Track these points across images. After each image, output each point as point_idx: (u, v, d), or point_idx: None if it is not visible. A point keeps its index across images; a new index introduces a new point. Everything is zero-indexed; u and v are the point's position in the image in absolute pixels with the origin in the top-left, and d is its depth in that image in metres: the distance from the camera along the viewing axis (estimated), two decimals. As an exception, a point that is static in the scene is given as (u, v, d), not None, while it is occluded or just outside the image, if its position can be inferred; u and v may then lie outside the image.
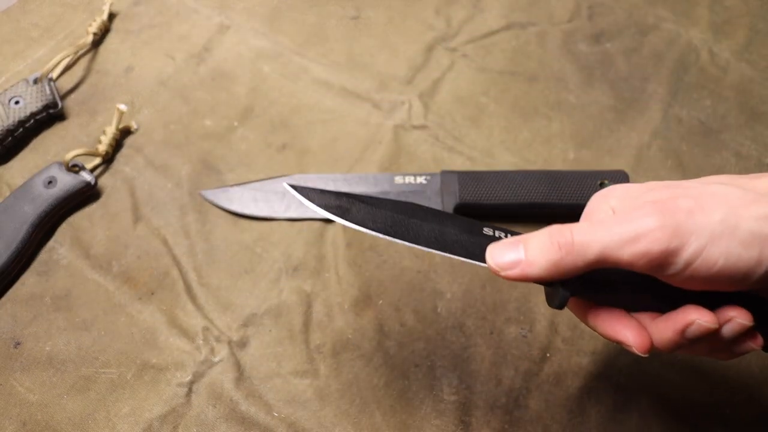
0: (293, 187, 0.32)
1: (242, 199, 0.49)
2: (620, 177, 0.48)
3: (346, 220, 0.32)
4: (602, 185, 0.47)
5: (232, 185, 0.50)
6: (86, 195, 0.49)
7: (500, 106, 0.56)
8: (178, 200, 0.50)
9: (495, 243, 0.30)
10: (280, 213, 0.49)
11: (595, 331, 0.31)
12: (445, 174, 0.49)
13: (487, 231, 0.33)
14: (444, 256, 0.34)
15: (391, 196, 0.49)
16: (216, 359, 0.43)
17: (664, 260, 0.27)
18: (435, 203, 0.48)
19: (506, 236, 0.32)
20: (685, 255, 0.27)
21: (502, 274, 0.29)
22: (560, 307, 0.30)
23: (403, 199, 0.49)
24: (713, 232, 0.27)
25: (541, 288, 0.46)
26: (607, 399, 0.43)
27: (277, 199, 0.49)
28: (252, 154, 0.53)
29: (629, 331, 0.30)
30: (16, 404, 0.41)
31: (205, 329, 0.44)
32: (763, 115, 0.55)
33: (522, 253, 0.29)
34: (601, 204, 0.31)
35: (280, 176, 0.50)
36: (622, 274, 0.30)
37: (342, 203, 0.32)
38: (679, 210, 0.27)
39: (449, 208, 0.47)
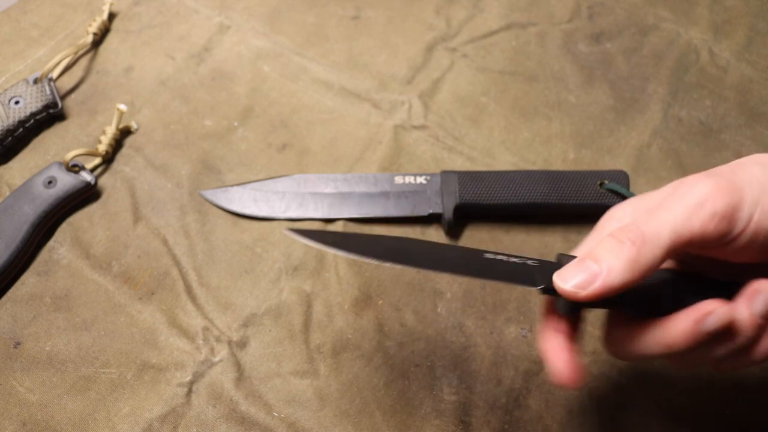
0: (294, 231, 0.32)
1: (242, 199, 0.49)
2: (620, 177, 0.48)
3: (348, 251, 0.31)
4: (602, 185, 0.47)
5: (232, 185, 0.50)
6: (86, 195, 0.49)
7: (500, 106, 0.56)
8: (178, 200, 0.50)
9: (560, 270, 0.28)
10: (280, 213, 0.49)
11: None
12: (445, 174, 0.49)
13: (489, 255, 0.32)
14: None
15: (391, 196, 0.49)
16: (216, 359, 0.43)
17: (730, 217, 0.27)
18: (435, 203, 0.48)
19: (508, 258, 0.32)
20: (746, 207, 0.27)
21: (583, 294, 0.27)
22: (570, 312, 0.29)
23: (403, 199, 0.49)
24: (761, 182, 0.27)
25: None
26: (608, 399, 0.43)
27: (277, 199, 0.49)
28: (252, 154, 0.53)
29: (561, 360, 0.30)
30: (16, 404, 0.41)
31: (205, 329, 0.44)
32: (763, 115, 0.55)
33: (594, 266, 0.27)
34: (617, 212, 0.31)
35: (280, 176, 0.50)
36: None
37: (339, 238, 0.33)
38: (722, 172, 0.28)
39: (449, 207, 0.47)
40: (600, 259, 0.27)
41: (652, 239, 0.27)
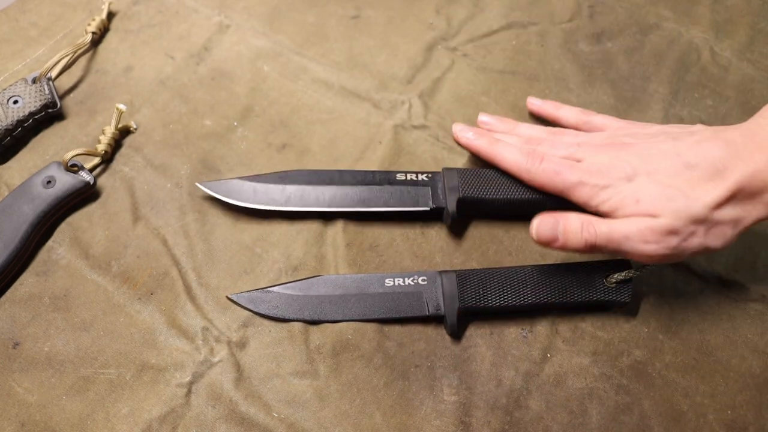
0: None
1: (241, 191, 0.48)
2: None
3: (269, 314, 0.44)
4: None
5: (231, 178, 0.49)
6: (85, 195, 0.49)
7: (501, 105, 0.56)
8: (178, 200, 0.50)
9: (538, 219, 0.43)
10: (280, 204, 0.48)
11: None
12: (447, 170, 0.49)
13: (388, 281, 0.45)
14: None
15: (393, 190, 0.48)
16: (215, 360, 0.43)
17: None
18: (437, 197, 0.48)
19: (404, 280, 0.45)
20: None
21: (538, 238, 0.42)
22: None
23: (405, 192, 0.48)
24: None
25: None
26: (608, 400, 0.42)
27: (277, 191, 0.48)
28: (252, 154, 0.52)
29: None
30: (15, 405, 0.41)
31: (205, 329, 0.44)
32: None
33: (559, 226, 0.42)
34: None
35: (281, 172, 0.50)
36: None
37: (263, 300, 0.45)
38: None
39: (452, 201, 0.47)
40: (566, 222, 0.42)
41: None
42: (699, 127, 0.44)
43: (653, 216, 0.40)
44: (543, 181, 0.44)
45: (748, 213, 0.39)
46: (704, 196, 0.39)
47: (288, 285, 0.45)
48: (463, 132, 0.51)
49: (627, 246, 0.40)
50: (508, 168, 0.46)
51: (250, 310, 0.45)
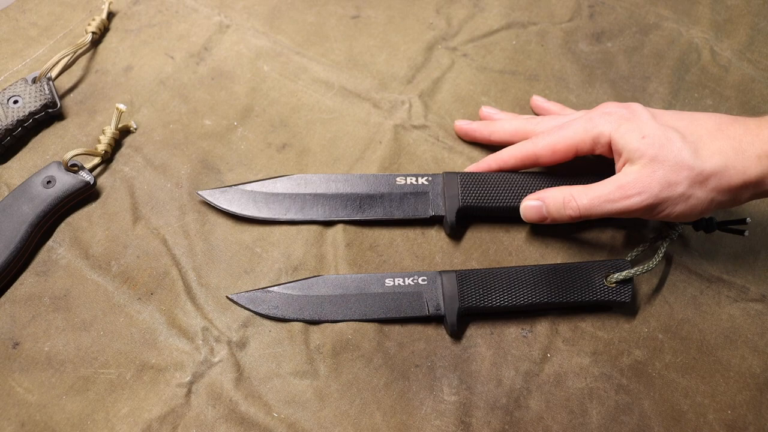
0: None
1: (241, 201, 0.49)
2: None
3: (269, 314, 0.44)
4: None
5: (230, 185, 0.50)
6: (85, 195, 0.49)
7: (501, 105, 0.56)
8: (178, 200, 0.50)
9: (528, 198, 0.46)
10: (281, 215, 0.49)
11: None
12: (447, 175, 0.48)
13: (388, 281, 0.45)
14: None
15: (392, 197, 0.49)
16: (215, 359, 0.43)
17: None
18: (437, 205, 0.48)
19: (404, 280, 0.45)
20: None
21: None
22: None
23: (404, 200, 0.49)
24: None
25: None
26: (608, 400, 0.42)
27: (277, 200, 0.49)
28: (252, 154, 0.52)
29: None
30: (15, 405, 0.41)
31: (205, 329, 0.44)
32: (765, 114, 0.55)
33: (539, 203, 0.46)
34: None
35: (280, 176, 0.50)
36: None
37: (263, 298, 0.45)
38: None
39: (452, 210, 0.47)
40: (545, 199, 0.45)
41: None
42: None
43: (653, 159, 0.40)
44: (547, 144, 0.45)
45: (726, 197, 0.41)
46: (708, 158, 0.40)
47: (288, 285, 0.45)
48: (462, 122, 0.53)
49: (612, 208, 0.41)
50: (509, 136, 0.49)
51: (250, 310, 0.45)
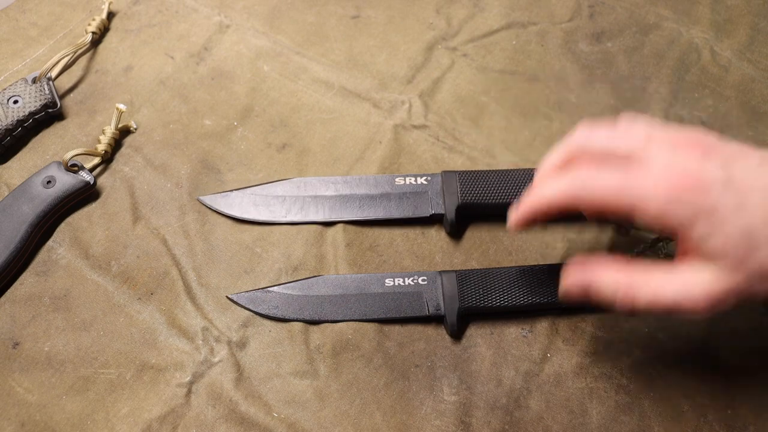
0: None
1: (242, 204, 0.49)
2: None
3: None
4: None
5: (231, 190, 0.50)
6: (85, 195, 0.49)
7: (501, 105, 0.56)
8: (178, 200, 0.50)
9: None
10: (281, 217, 0.49)
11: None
12: (446, 174, 0.49)
13: (388, 281, 0.45)
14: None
15: (392, 197, 0.49)
16: (215, 359, 0.43)
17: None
18: (436, 204, 0.48)
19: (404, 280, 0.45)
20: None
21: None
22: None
23: (404, 200, 0.49)
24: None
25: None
26: (609, 400, 0.42)
27: (277, 203, 0.49)
28: (252, 154, 0.52)
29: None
30: (15, 405, 0.41)
31: (205, 329, 0.44)
32: (765, 114, 0.55)
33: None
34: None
35: (279, 180, 0.50)
36: None
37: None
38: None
39: (451, 208, 0.47)
40: None
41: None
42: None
43: (734, 268, 0.31)
44: (601, 206, 0.33)
45: None
46: None
47: (288, 285, 0.45)
48: (511, 215, 0.39)
49: (675, 312, 0.33)
50: (555, 203, 0.35)
51: (250, 310, 0.45)
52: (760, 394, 0.43)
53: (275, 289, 0.45)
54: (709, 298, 0.32)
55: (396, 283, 0.45)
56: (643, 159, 0.32)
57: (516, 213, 0.38)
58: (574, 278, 0.35)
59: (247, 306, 0.45)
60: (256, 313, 0.45)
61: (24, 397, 0.42)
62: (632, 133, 0.34)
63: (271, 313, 0.44)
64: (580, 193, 0.34)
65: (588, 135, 0.35)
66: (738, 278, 0.31)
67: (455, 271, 0.45)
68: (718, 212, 0.30)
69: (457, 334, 0.44)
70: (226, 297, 0.45)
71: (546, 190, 0.35)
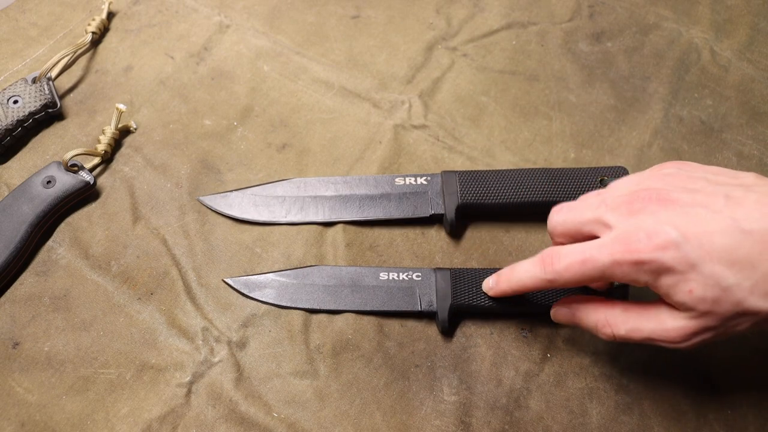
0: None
1: (242, 205, 0.49)
2: (620, 173, 0.48)
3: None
4: (602, 182, 0.47)
5: (231, 191, 0.50)
6: (85, 195, 0.49)
7: (501, 105, 0.56)
8: (178, 200, 0.50)
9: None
10: (281, 217, 0.49)
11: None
12: (446, 174, 0.49)
13: (383, 275, 0.45)
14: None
15: (392, 197, 0.49)
16: (215, 359, 0.43)
17: None
18: (436, 204, 0.48)
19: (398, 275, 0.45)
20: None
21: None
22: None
23: (404, 200, 0.49)
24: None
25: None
26: (609, 399, 0.42)
27: (277, 203, 0.49)
28: (252, 154, 0.52)
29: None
30: (15, 405, 0.41)
31: (205, 329, 0.44)
32: (765, 114, 0.55)
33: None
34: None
35: (279, 180, 0.50)
36: None
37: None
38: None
39: (451, 208, 0.47)
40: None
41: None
42: (751, 177, 0.34)
43: (704, 314, 0.33)
44: (574, 281, 0.35)
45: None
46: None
47: (283, 272, 0.46)
48: (487, 284, 0.43)
49: (652, 344, 0.36)
50: (530, 289, 0.39)
51: (244, 295, 0.45)
52: (761, 395, 0.43)
53: (271, 275, 0.46)
54: (685, 335, 0.34)
55: (390, 277, 0.45)
56: (607, 224, 0.35)
57: (492, 289, 0.42)
58: (561, 315, 0.40)
59: (241, 290, 0.45)
60: (250, 298, 0.45)
61: (24, 397, 0.42)
62: (587, 204, 0.36)
63: (265, 299, 0.45)
64: (548, 277, 0.36)
65: (551, 220, 0.39)
66: (710, 321, 0.33)
67: (450, 269, 0.45)
68: (677, 269, 0.32)
69: (448, 331, 0.44)
70: (222, 280, 0.46)
71: (522, 274, 0.39)
